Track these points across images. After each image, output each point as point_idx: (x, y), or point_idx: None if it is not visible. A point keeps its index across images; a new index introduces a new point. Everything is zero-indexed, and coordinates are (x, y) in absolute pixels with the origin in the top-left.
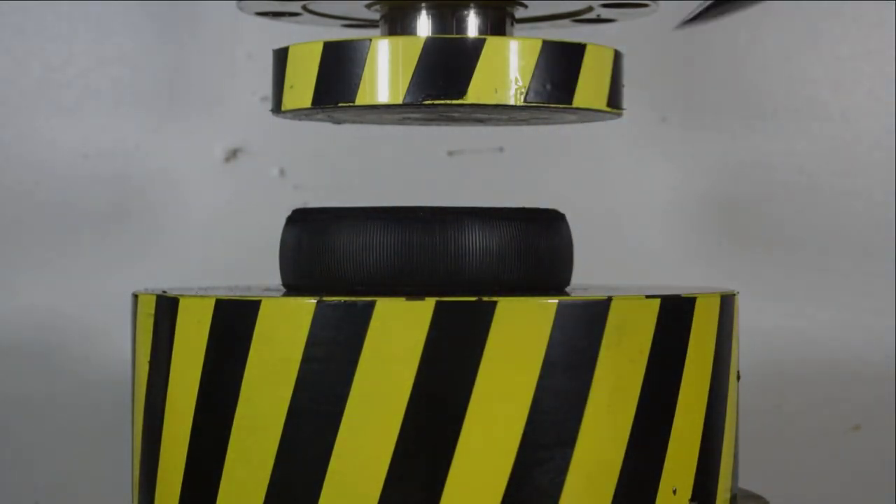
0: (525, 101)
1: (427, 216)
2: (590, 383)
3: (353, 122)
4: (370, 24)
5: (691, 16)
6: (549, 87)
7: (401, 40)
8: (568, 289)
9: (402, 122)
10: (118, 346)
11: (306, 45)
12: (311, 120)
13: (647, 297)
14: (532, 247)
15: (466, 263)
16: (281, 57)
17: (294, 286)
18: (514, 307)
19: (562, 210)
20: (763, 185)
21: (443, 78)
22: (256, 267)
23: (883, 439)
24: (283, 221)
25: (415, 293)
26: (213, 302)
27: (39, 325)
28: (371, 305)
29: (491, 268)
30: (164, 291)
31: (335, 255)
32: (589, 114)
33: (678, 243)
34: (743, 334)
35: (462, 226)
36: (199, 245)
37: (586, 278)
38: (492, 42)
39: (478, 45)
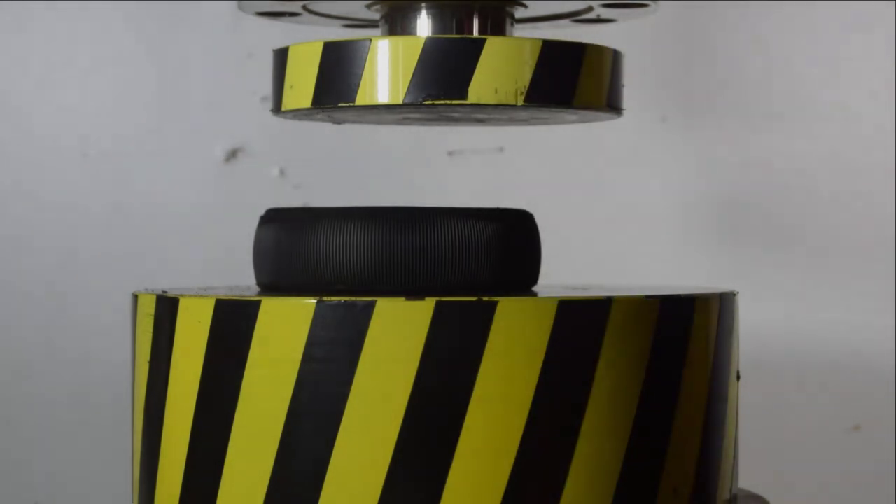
0: (525, 101)
1: (398, 216)
2: (590, 383)
3: (353, 122)
4: (370, 24)
5: None
6: (549, 87)
7: (401, 40)
8: (568, 289)
9: (402, 122)
10: (118, 346)
11: (306, 45)
12: (311, 120)
13: (647, 297)
14: (503, 246)
15: (441, 262)
16: (281, 57)
17: (270, 285)
18: (515, 307)
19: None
20: (763, 185)
21: (443, 78)
22: None
23: (883, 439)
24: None
25: (390, 293)
26: (213, 302)
27: (39, 325)
28: (371, 305)
29: (464, 267)
30: (164, 291)
31: (313, 254)
32: (589, 114)
33: (678, 243)
34: (743, 334)
35: (433, 225)
36: (198, 245)
37: (586, 278)
38: (492, 42)
39: (478, 45)
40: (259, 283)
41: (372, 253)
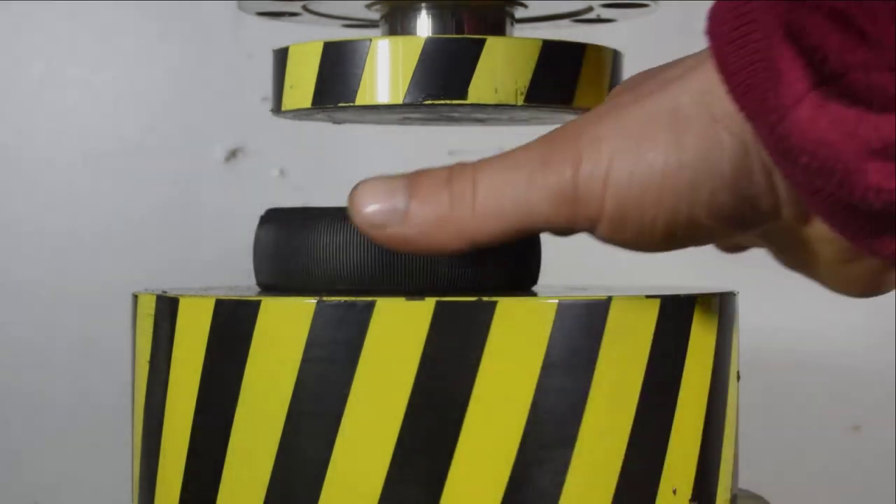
0: (525, 101)
1: None
2: (590, 383)
3: (353, 122)
4: (370, 24)
5: None
6: (549, 87)
7: (401, 40)
8: (568, 289)
9: (402, 122)
10: (118, 346)
11: (306, 45)
12: (311, 120)
13: (647, 297)
14: (503, 246)
15: (440, 262)
16: (281, 57)
17: (270, 286)
18: (514, 307)
19: None
20: None
21: (443, 78)
22: None
23: (883, 439)
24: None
25: (390, 292)
26: (213, 302)
27: (39, 325)
28: (371, 305)
29: (464, 267)
30: (164, 291)
31: (313, 254)
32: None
33: None
34: (743, 334)
35: None
36: (198, 245)
37: (587, 278)
38: (492, 42)
39: (478, 45)
40: (259, 283)
41: (372, 253)
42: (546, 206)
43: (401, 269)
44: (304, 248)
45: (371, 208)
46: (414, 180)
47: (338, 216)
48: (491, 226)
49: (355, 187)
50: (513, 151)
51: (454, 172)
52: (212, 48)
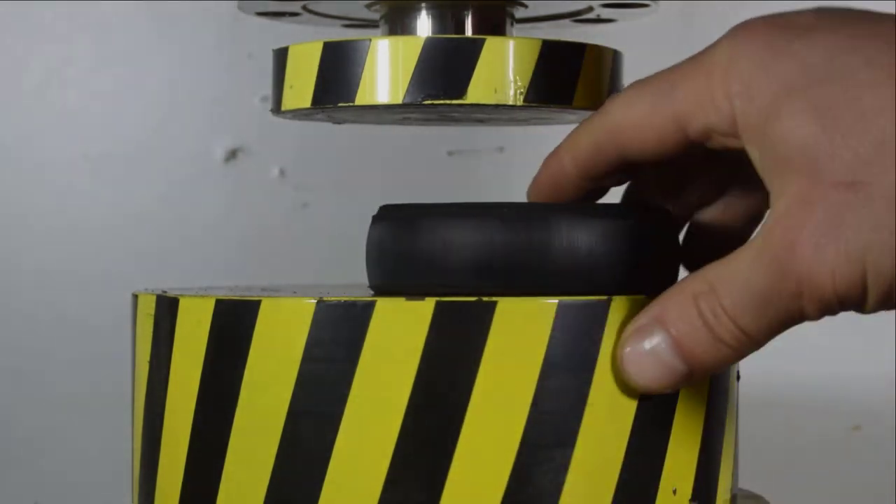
0: (525, 101)
1: (545, 213)
2: (590, 383)
3: (353, 122)
4: (370, 24)
5: None
6: (549, 87)
7: (401, 40)
8: None
9: (402, 122)
10: (118, 346)
11: (306, 45)
12: (311, 120)
13: (647, 297)
14: (641, 246)
15: (576, 263)
16: (281, 57)
17: (391, 289)
18: (514, 307)
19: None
20: None
21: (443, 78)
22: (256, 267)
23: (883, 439)
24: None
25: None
26: (213, 302)
27: (39, 326)
28: (371, 305)
29: (602, 269)
30: (164, 291)
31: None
32: (589, 114)
33: None
34: None
35: (572, 224)
36: (199, 245)
37: None
38: (492, 42)
39: (478, 45)
40: (373, 287)
41: (513, 251)
42: (826, 285)
43: (522, 269)
44: (427, 246)
45: (657, 386)
46: (668, 329)
47: (478, 212)
48: (757, 324)
49: (623, 364)
50: (736, 254)
51: (693, 292)
52: (212, 48)
